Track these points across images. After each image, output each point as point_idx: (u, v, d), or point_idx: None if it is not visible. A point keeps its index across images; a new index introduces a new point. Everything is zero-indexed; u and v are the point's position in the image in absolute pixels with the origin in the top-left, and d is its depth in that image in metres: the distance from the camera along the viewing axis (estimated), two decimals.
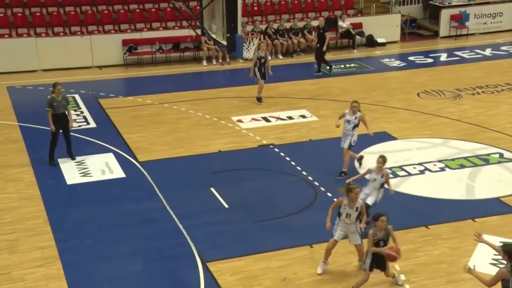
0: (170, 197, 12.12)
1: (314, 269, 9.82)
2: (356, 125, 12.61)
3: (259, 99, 17.28)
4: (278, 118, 16.18)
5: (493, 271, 9.47)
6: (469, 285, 9.29)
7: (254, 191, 12.39)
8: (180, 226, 11.12)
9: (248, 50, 21.50)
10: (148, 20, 22.13)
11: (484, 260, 9.86)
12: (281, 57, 21.97)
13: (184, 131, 15.55)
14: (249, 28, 21.77)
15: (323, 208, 11.54)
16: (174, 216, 11.43)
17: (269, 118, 16.20)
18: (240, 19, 21.65)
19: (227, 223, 11.29)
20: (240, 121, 16.07)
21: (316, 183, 12.54)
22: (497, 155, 13.53)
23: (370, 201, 10.76)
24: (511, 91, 17.59)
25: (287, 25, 22.52)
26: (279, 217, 11.38)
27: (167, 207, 11.78)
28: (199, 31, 21.57)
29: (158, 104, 17.39)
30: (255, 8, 23.47)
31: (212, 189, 12.35)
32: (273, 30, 22.07)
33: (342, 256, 10.13)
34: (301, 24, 22.55)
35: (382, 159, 10.70)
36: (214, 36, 21.89)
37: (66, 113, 13.46)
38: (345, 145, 12.73)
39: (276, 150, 14.27)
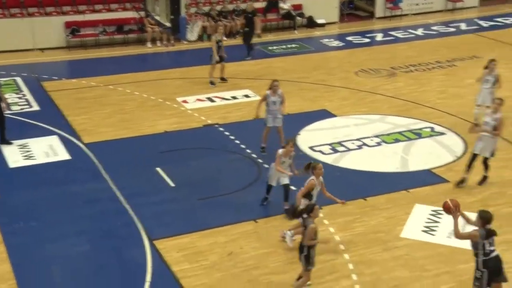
0: (116, 177, 12.25)
1: (259, 242, 10.21)
2: (281, 103, 13.02)
3: (213, 83, 17.33)
4: (222, 98, 16.46)
5: (424, 237, 10.18)
6: (403, 251, 9.90)
7: (199, 169, 12.67)
8: (126, 205, 11.28)
9: (192, 31, 21.66)
10: (91, 2, 21.89)
11: (416, 228, 10.51)
12: (224, 38, 22.11)
13: (129, 112, 15.63)
14: (193, 10, 21.85)
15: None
16: (120, 196, 11.59)
17: (214, 99, 16.46)
18: (183, 1, 21.75)
19: (173, 201, 11.54)
20: (185, 101, 16.26)
21: (260, 160, 12.92)
22: (429, 129, 14.26)
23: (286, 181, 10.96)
24: (441, 68, 18.41)
25: (230, 7, 22.70)
26: (224, 194, 11.71)
27: (113, 187, 11.91)
28: (142, 13, 21.63)
29: (102, 86, 17.37)
30: None
31: (158, 169, 12.56)
32: (216, 12, 22.21)
33: (285, 229, 10.54)
34: (243, 6, 22.77)
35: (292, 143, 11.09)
36: (157, 18, 21.94)
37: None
38: (278, 123, 13.03)
39: (221, 129, 14.57)
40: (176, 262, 9.76)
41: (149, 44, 21.20)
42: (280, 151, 10.93)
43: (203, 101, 16.28)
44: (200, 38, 21.33)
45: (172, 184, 12.07)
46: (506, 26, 22.85)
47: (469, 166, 11.57)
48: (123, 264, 9.85)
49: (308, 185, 10.01)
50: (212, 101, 16.33)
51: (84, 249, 10.09)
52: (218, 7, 22.43)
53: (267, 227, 10.64)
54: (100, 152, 13.29)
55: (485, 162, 11.62)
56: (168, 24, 21.39)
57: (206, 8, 22.21)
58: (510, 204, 11.11)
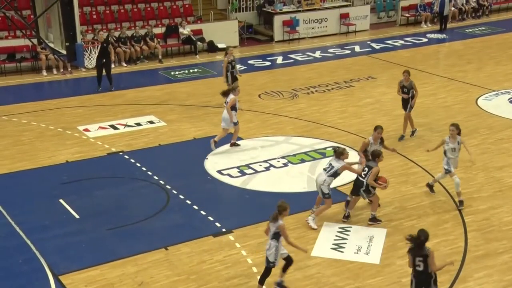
0: (15, 212, 11.67)
1: (171, 270, 10.03)
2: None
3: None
4: (126, 125, 16.13)
5: (333, 255, 10.40)
6: (314, 270, 10.05)
7: (106, 199, 12.32)
8: (28, 241, 10.76)
9: (90, 58, 21.09)
10: None
11: (325, 246, 10.72)
12: (124, 64, 21.84)
13: (28, 143, 14.97)
14: (90, 36, 21.36)
15: (176, 211, 11.91)
16: (20, 232, 11.02)
17: (117, 126, 16.10)
18: (78, 27, 21.14)
19: (78, 233, 11.12)
20: (87, 130, 15.80)
21: (168, 187, 12.74)
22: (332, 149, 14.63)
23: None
24: (340, 89, 19.11)
25: (129, 32, 22.43)
26: (133, 223, 11.43)
27: (12, 223, 11.33)
28: (35, 41, 20.85)
29: None
30: (94, 16, 23.07)
31: (61, 201, 12.09)
32: (114, 38, 21.85)
33: (197, 255, 10.45)
34: (142, 32, 22.59)
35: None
36: (52, 45, 21.15)
37: None
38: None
39: (126, 157, 14.26)
40: None
41: (44, 73, 20.48)
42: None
43: (106, 129, 15.87)
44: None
45: (77, 216, 11.64)
46: (395, 48, 24.15)
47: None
48: None
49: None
50: (115, 128, 15.96)
51: None
52: (116, 33, 22.08)
53: (178, 254, 10.48)
54: None
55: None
56: (63, 52, 20.71)
57: (104, 35, 21.74)
58: (411, 218, 11.60)
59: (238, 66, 21.82)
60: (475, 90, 18.61)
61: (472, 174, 13.18)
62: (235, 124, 14.57)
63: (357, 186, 11.28)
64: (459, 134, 11.93)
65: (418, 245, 8.27)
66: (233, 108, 14.42)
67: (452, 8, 27.61)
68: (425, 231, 8.34)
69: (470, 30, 26.72)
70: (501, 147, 14.51)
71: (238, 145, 14.74)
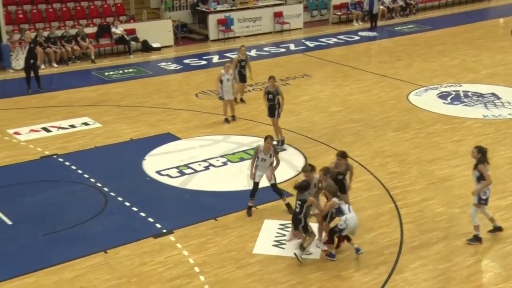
0: None
1: (111, 274, 9.83)
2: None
3: (241, 100, 17.38)
4: (59, 128, 15.67)
5: (275, 252, 10.47)
6: (256, 267, 10.07)
7: (40, 204, 11.93)
8: None
9: (17, 59, 20.39)
10: None
11: (267, 243, 10.76)
12: (55, 65, 21.23)
13: None
14: (17, 36, 20.64)
15: (115, 213, 11.68)
16: None
17: (50, 128, 15.62)
18: (3, 27, 20.40)
19: (12, 240, 10.73)
20: (17, 133, 15.26)
21: (106, 189, 12.47)
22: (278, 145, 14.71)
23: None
24: (283, 86, 19.21)
25: (59, 32, 21.81)
26: (69, 227, 11.13)
27: None
28: None
29: None
30: (21, 16, 22.32)
31: None
32: (44, 38, 21.20)
33: (137, 257, 10.28)
34: (73, 31, 22.02)
35: (271, 139, 11.46)
36: None
37: None
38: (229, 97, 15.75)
39: (61, 159, 13.86)
40: None
41: None
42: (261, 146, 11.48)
43: (38, 132, 15.38)
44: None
45: (9, 222, 11.22)
46: (329, 46, 24.57)
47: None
48: None
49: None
50: (48, 131, 15.48)
51: None
52: (45, 33, 21.43)
53: (118, 257, 10.28)
54: None
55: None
56: None
57: (31, 35, 21.04)
58: None
59: (173, 66, 21.71)
60: (405, 86, 19.18)
61: (406, 168, 13.57)
62: (220, 98, 15.86)
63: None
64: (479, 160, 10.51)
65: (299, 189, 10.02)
66: (221, 81, 15.65)
67: (381, 7, 28.36)
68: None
69: (398, 28, 27.51)
70: (432, 141, 15.02)
71: (227, 121, 15.98)
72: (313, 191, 10.41)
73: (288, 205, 11.61)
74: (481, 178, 10.41)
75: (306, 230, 10.28)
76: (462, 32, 26.42)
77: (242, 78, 17.22)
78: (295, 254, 10.22)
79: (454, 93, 18.53)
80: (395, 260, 10.19)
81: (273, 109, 14.29)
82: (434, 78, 20.02)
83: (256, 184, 11.57)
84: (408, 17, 29.46)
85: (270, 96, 14.27)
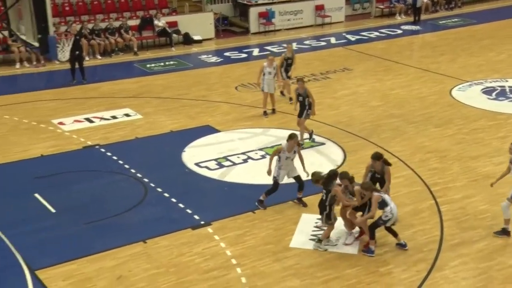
0: None
1: (149, 263, 9.97)
2: (275, 74, 15.84)
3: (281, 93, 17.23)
4: (101, 118, 15.96)
5: (312, 246, 10.45)
6: (293, 261, 10.09)
7: (82, 193, 12.18)
8: (3, 236, 10.59)
9: (63, 51, 20.80)
10: None
11: (304, 237, 10.75)
12: (99, 57, 21.60)
13: (1, 137, 14.73)
14: (63, 28, 21.06)
15: (154, 204, 11.85)
16: None
17: (92, 119, 15.92)
18: (51, 19, 20.84)
19: (55, 228, 10.99)
20: (61, 123, 15.59)
21: (146, 180, 12.65)
22: (309, 140, 14.69)
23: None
24: (316, 81, 19.14)
25: (103, 25, 22.17)
26: (110, 217, 11.33)
27: None
28: (6, 33, 20.47)
29: None
30: (67, 8, 22.75)
31: (37, 195, 11.92)
32: (88, 30, 21.59)
33: (175, 247, 10.41)
34: (117, 24, 22.34)
35: (296, 137, 11.61)
36: (23, 37, 20.85)
37: None
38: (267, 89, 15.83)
39: (102, 150, 14.11)
40: None
41: (17, 65, 20.15)
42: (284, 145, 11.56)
43: (81, 122, 15.69)
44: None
45: (53, 210, 11.50)
46: (370, 39, 24.30)
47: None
48: None
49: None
50: (91, 121, 15.78)
51: None
52: (90, 25, 21.81)
53: (157, 247, 10.42)
54: None
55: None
56: (36, 44, 20.38)
57: (77, 27, 21.46)
58: None
59: (214, 58, 21.84)
60: (449, 81, 18.83)
61: (448, 164, 13.35)
62: (262, 90, 15.95)
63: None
64: None
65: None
66: (263, 74, 15.84)
67: (425, 0, 27.86)
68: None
69: (443, 21, 26.99)
70: (475, 137, 14.72)
71: (266, 114, 16.04)
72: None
73: (299, 199, 11.69)
74: None
75: (329, 218, 10.33)
76: (509, 26, 25.76)
77: (288, 76, 17.05)
78: (317, 247, 10.36)
79: (499, 88, 18.11)
80: (435, 257, 10.06)
81: (302, 109, 14.21)
82: (479, 73, 19.59)
83: (277, 184, 11.59)
84: (453, 10, 28.89)
85: (300, 98, 14.20)
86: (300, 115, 14.33)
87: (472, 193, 12.09)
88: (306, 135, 14.43)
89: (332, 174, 10.35)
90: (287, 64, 16.89)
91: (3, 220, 11.11)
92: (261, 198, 11.67)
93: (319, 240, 10.45)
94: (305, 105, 14.19)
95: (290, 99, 16.93)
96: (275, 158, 11.62)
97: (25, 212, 11.43)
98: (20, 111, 16.37)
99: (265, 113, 16.05)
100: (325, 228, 10.54)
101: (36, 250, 10.26)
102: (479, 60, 21.06)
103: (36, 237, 10.67)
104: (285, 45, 17.41)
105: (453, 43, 23.39)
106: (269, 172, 11.70)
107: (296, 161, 11.66)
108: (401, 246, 10.26)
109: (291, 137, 11.51)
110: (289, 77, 17.12)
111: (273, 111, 16.21)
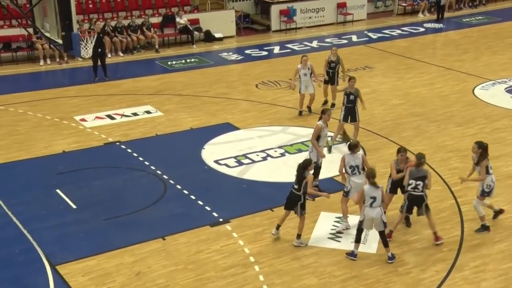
0: (11, 202, 11.64)
1: (168, 260, 10.04)
2: (311, 74, 15.75)
3: (326, 103, 16.46)
4: (123, 115, 16.09)
5: (330, 244, 10.43)
6: (311, 259, 10.08)
7: (103, 189, 12.30)
8: (25, 231, 10.75)
9: (86, 48, 21.01)
10: None
11: (323, 235, 10.74)
12: (121, 54, 21.76)
13: (24, 133, 14.92)
14: (86, 26, 21.26)
15: (173, 201, 11.91)
16: (17, 222, 11.01)
17: (114, 116, 16.05)
18: (75, 17, 21.11)
19: (75, 223, 11.12)
20: (83, 120, 15.76)
21: (165, 177, 12.73)
22: (329, 138, 14.63)
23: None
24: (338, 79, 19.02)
25: (125, 22, 22.33)
26: (130, 213, 11.43)
27: (9, 213, 11.32)
28: (31, 30, 20.75)
29: None
30: (90, 6, 22.96)
31: (58, 191, 12.07)
32: (111, 28, 21.76)
33: (194, 245, 10.46)
34: (139, 21, 22.49)
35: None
36: (48, 34, 21.18)
37: None
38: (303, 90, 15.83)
39: (123, 147, 14.23)
40: (82, 286, 9.41)
41: (41, 62, 20.40)
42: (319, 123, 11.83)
43: (102, 119, 15.84)
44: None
45: (74, 206, 11.63)
46: (392, 37, 24.11)
47: None
48: None
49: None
50: (112, 118, 15.92)
51: None
52: (113, 23, 21.99)
53: (176, 244, 10.49)
54: None
55: None
56: (59, 41, 20.65)
57: (100, 24, 21.65)
58: None
59: (234, 56, 21.83)
60: (472, 79, 18.61)
61: (469, 164, 13.14)
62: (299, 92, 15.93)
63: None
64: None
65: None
66: (299, 76, 15.82)
67: None
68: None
69: (466, 19, 26.67)
70: (497, 137, 14.53)
71: (301, 114, 15.97)
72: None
73: (316, 186, 11.85)
74: None
75: (303, 208, 10.34)
76: None
77: (329, 80, 16.24)
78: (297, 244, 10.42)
79: None
80: (454, 258, 9.98)
81: (353, 110, 13.65)
82: (503, 71, 19.33)
83: (320, 166, 11.96)
84: (477, 8, 28.53)
85: (352, 97, 13.58)
86: (353, 119, 13.68)
87: (494, 193, 11.91)
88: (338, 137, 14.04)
89: (307, 164, 10.41)
90: (330, 67, 16.27)
91: (25, 215, 11.27)
92: (316, 182, 11.71)
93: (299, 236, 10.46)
94: (355, 106, 13.65)
95: (325, 102, 16.49)
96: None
97: (46, 208, 11.58)
98: (43, 108, 16.58)
99: (300, 113, 15.97)
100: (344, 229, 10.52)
101: (57, 246, 10.40)
102: (503, 58, 20.76)
103: (57, 232, 10.81)
104: (334, 48, 16.73)
105: (477, 41, 23.10)
106: (321, 154, 11.91)
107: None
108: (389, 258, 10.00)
109: (323, 112, 12.07)
110: (332, 83, 16.27)
111: (309, 109, 15.97)
